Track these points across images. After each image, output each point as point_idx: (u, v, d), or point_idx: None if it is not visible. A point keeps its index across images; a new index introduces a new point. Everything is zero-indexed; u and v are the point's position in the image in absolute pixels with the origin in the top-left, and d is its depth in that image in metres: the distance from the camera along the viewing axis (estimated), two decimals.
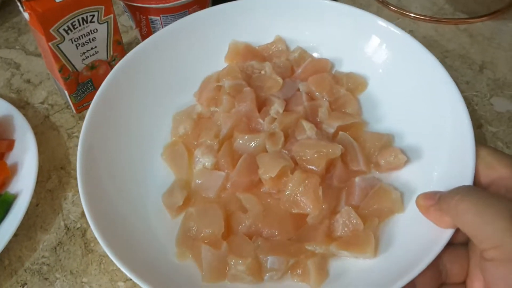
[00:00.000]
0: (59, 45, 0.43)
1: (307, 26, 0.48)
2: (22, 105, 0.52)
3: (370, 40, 0.46)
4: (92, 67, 0.46)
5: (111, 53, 0.47)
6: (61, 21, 0.41)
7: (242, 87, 0.44)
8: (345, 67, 0.47)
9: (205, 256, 0.36)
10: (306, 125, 0.41)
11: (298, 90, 0.45)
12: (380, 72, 0.45)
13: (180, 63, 0.48)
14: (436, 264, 0.32)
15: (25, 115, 0.48)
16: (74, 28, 0.43)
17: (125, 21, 0.59)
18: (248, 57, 0.48)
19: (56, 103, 0.52)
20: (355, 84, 0.45)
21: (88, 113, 0.41)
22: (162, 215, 0.40)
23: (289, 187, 0.38)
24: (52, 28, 0.41)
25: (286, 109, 0.43)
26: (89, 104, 0.47)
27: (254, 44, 0.49)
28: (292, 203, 0.38)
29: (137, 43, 0.48)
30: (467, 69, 0.52)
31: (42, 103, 0.52)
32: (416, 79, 0.42)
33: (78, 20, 0.42)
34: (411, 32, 0.54)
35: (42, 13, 0.40)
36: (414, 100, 0.42)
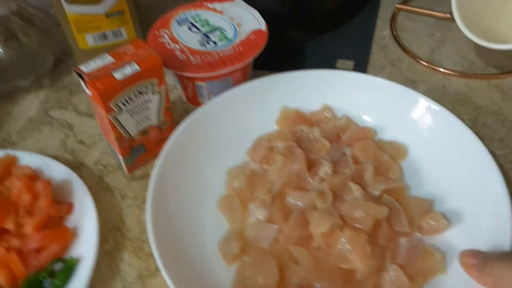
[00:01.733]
0: (117, 116, 0.46)
1: (352, 96, 0.53)
2: (77, 166, 0.54)
3: (411, 113, 0.51)
4: (144, 132, 0.50)
5: (162, 118, 0.51)
6: (119, 95, 0.45)
7: (294, 149, 0.49)
8: (387, 135, 0.52)
9: None
10: (353, 186, 0.45)
11: (344, 154, 0.50)
12: (420, 141, 0.49)
13: (234, 125, 0.53)
14: None
15: (80, 176, 0.50)
16: (131, 101, 0.46)
17: (169, 80, 0.63)
18: (298, 121, 0.53)
19: (108, 163, 0.54)
20: (396, 151, 0.50)
21: (154, 173, 0.46)
22: (217, 261, 0.44)
23: (339, 243, 0.42)
24: (111, 102, 0.45)
25: (333, 171, 0.48)
26: (139, 165, 0.53)
27: (303, 110, 0.54)
28: (342, 258, 0.41)
29: (182, 102, 0.53)
30: (500, 126, 0.53)
31: (96, 164, 0.54)
32: (453, 149, 0.47)
33: (134, 93, 0.46)
34: (443, 88, 0.58)
35: (104, 90, 0.44)
36: (451, 166, 0.46)
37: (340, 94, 0.54)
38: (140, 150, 0.52)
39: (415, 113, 0.51)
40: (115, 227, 0.48)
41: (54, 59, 0.63)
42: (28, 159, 0.52)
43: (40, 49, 0.59)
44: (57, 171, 0.51)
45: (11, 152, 0.52)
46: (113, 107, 0.46)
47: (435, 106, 0.49)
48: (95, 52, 0.61)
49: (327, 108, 0.54)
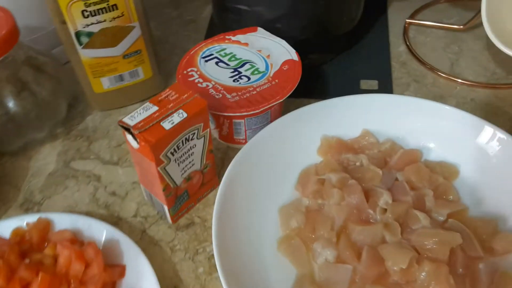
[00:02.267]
0: (166, 168, 0.44)
1: (389, 119, 0.52)
2: (115, 221, 0.50)
3: (456, 130, 0.50)
4: (188, 178, 0.48)
5: (204, 162, 0.48)
6: (169, 145, 0.42)
7: (347, 180, 0.48)
8: (433, 155, 0.51)
9: None
10: (420, 215, 0.44)
11: (396, 180, 0.49)
12: (468, 158, 0.49)
13: (277, 160, 0.51)
14: None
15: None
16: (179, 149, 0.44)
17: None
18: (342, 150, 0.51)
19: (148, 214, 0.51)
20: (448, 172, 0.49)
21: (215, 221, 0.43)
22: None
23: (421, 278, 0.41)
24: (162, 154, 0.42)
25: (392, 199, 0.47)
26: (183, 213, 0.50)
27: (342, 137, 0.53)
28: None
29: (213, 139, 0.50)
30: None
31: (135, 216, 0.50)
32: (505, 164, 0.47)
33: (182, 141, 0.44)
34: (472, 101, 0.58)
35: (155, 143, 0.41)
36: (505, 182, 0.46)
37: (377, 118, 0.53)
38: (184, 198, 0.49)
39: (460, 131, 0.50)
40: (172, 285, 0.45)
41: (67, 105, 0.59)
42: (61, 220, 0.48)
43: (54, 98, 0.55)
44: (97, 229, 0.47)
45: (42, 215, 0.48)
46: (163, 159, 0.43)
47: (479, 121, 0.49)
48: (109, 95, 0.58)
49: (367, 133, 0.53)
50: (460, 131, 0.50)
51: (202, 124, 0.45)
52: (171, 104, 0.43)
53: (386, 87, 0.61)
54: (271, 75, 0.52)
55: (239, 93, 0.50)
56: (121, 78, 0.57)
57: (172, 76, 0.65)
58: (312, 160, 0.52)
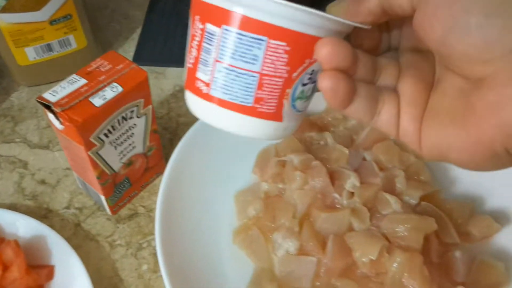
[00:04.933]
0: (99, 152, 0.37)
1: None
2: (43, 214, 0.43)
3: None
4: (129, 164, 0.41)
5: (148, 144, 0.42)
6: (101, 126, 0.36)
7: (310, 161, 0.43)
8: None
9: None
10: (390, 198, 0.40)
11: (364, 159, 0.44)
12: None
13: (232, 140, 0.44)
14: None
15: (51, 226, 0.40)
16: (114, 130, 0.37)
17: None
18: (304, 127, 0.46)
19: (84, 205, 0.44)
20: None
21: (158, 213, 0.38)
22: None
23: (392, 269, 0.36)
24: (92, 136, 0.36)
25: (360, 182, 0.42)
26: (125, 203, 0.44)
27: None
28: (399, 286, 0.36)
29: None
30: None
31: (68, 207, 0.44)
32: None
33: (118, 120, 0.37)
34: None
35: (82, 123, 0.34)
36: None
37: None
38: (125, 185, 0.43)
39: None
40: (111, 286, 0.39)
41: None
42: None
43: None
44: (21, 225, 0.40)
45: None
46: (94, 141, 0.36)
47: None
48: (36, 68, 0.51)
49: (332, 108, 0.48)
50: None
51: (143, 100, 0.39)
52: (103, 77, 0.37)
53: None
54: None
55: None
56: (49, 48, 0.49)
57: (113, 46, 0.57)
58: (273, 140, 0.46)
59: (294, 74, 0.24)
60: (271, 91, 0.25)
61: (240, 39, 0.23)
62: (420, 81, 0.25)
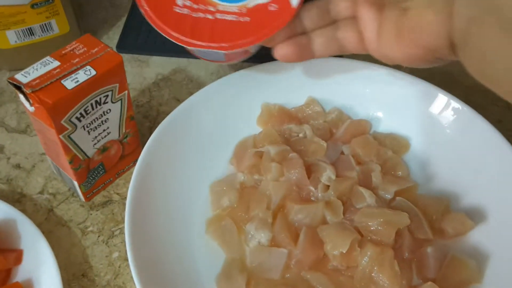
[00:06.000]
0: (71, 136, 0.37)
1: (337, 86, 0.47)
2: (17, 198, 0.43)
3: (407, 99, 0.45)
4: (103, 149, 0.41)
5: (124, 131, 0.42)
6: (73, 109, 0.35)
7: (288, 153, 0.42)
8: (382, 127, 0.46)
9: None
10: (365, 192, 0.39)
11: (342, 153, 0.44)
12: (421, 132, 0.45)
13: (210, 129, 0.45)
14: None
15: (23, 211, 0.40)
16: (87, 114, 0.37)
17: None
18: (284, 119, 0.45)
19: (58, 191, 0.43)
20: (398, 145, 0.44)
21: (129, 201, 0.37)
22: None
23: (363, 263, 0.36)
24: (64, 119, 0.35)
25: (336, 175, 0.42)
26: (99, 190, 0.43)
27: (285, 106, 0.47)
28: (368, 280, 0.35)
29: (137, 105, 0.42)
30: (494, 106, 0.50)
31: (41, 192, 0.43)
32: (462, 138, 0.42)
33: (92, 104, 0.37)
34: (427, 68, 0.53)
35: (53, 105, 0.33)
36: (463, 158, 0.42)
37: (324, 84, 0.47)
38: (100, 172, 0.42)
39: (413, 99, 0.45)
40: (80, 273, 0.39)
41: None
42: None
43: None
44: None
45: None
46: (66, 125, 0.36)
47: (433, 88, 0.44)
48: (18, 52, 0.50)
49: (313, 101, 0.47)
50: (412, 100, 0.45)
51: (118, 85, 0.38)
52: (77, 59, 0.36)
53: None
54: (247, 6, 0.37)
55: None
56: (30, 32, 0.49)
57: (97, 33, 0.57)
58: (251, 130, 0.46)
59: None
60: None
61: None
62: (372, 5, 0.34)
